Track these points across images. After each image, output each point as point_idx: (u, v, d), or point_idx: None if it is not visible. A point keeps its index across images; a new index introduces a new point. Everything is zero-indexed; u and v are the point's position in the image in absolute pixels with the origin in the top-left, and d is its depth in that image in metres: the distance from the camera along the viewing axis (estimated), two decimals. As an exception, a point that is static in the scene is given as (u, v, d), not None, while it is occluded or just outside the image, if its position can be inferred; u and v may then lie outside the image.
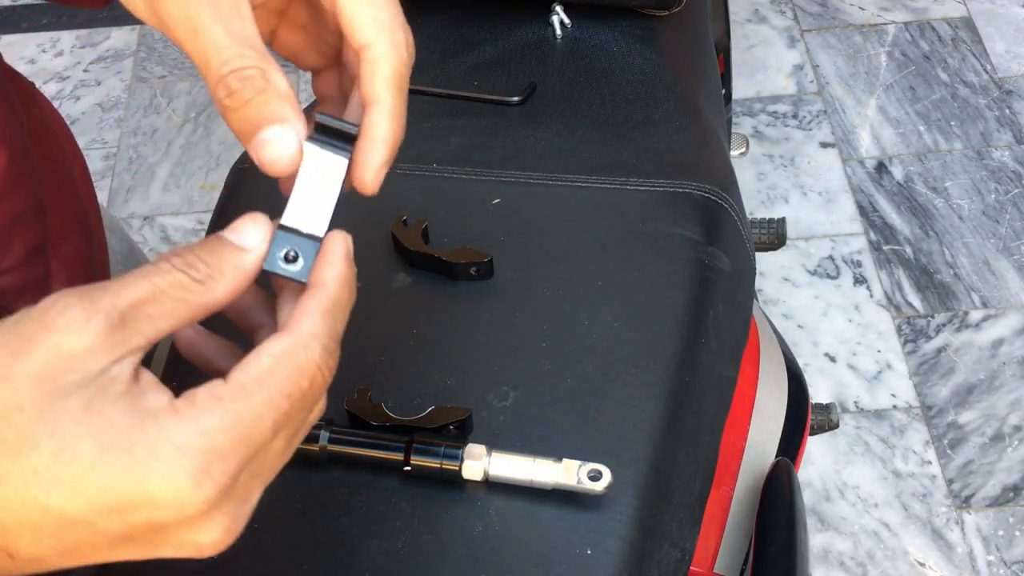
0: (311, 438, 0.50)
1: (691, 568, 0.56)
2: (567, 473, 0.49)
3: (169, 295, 0.32)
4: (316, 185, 0.36)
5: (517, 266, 0.61)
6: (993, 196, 1.69)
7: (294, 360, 0.33)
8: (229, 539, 0.32)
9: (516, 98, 0.74)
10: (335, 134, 0.36)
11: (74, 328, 0.31)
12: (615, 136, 0.71)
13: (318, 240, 0.35)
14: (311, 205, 0.36)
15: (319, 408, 0.35)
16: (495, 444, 0.50)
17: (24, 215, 0.52)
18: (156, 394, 0.31)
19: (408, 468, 0.50)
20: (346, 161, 0.36)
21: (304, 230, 0.35)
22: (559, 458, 0.50)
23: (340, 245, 0.35)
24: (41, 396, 0.30)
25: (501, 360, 0.56)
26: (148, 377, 0.32)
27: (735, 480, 0.69)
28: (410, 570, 0.48)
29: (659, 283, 0.54)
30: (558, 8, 0.79)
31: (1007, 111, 1.80)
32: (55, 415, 0.30)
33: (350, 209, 0.54)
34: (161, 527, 0.30)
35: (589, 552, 0.48)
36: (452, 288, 0.60)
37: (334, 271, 0.35)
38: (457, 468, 0.50)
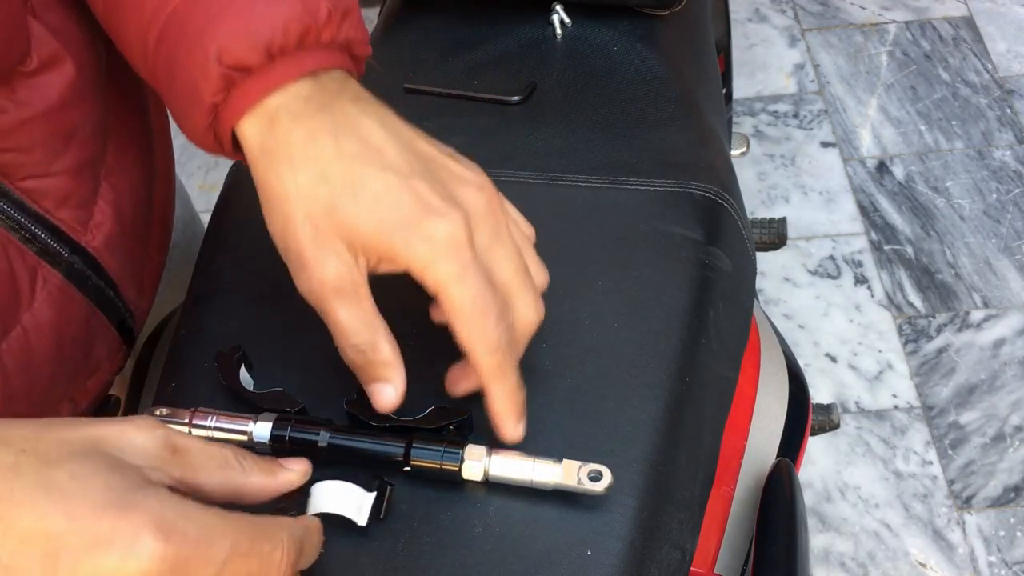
0: (311, 436, 0.51)
1: (692, 568, 0.56)
2: (567, 474, 0.49)
3: (212, 458, 0.41)
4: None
5: (517, 266, 0.60)
6: (994, 196, 1.69)
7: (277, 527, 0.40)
8: None
9: (516, 98, 0.74)
10: None
11: (141, 431, 0.39)
12: (615, 136, 0.71)
13: None
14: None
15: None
16: (495, 445, 0.50)
17: (83, 129, 0.55)
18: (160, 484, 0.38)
19: (408, 468, 0.50)
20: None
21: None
22: (559, 459, 0.49)
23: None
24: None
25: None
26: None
27: (735, 480, 0.68)
28: (410, 570, 0.48)
29: (659, 283, 0.54)
30: (558, 7, 0.79)
31: (1008, 111, 1.80)
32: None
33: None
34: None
35: (589, 553, 0.48)
36: (452, 288, 0.60)
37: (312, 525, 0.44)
38: (457, 468, 0.50)
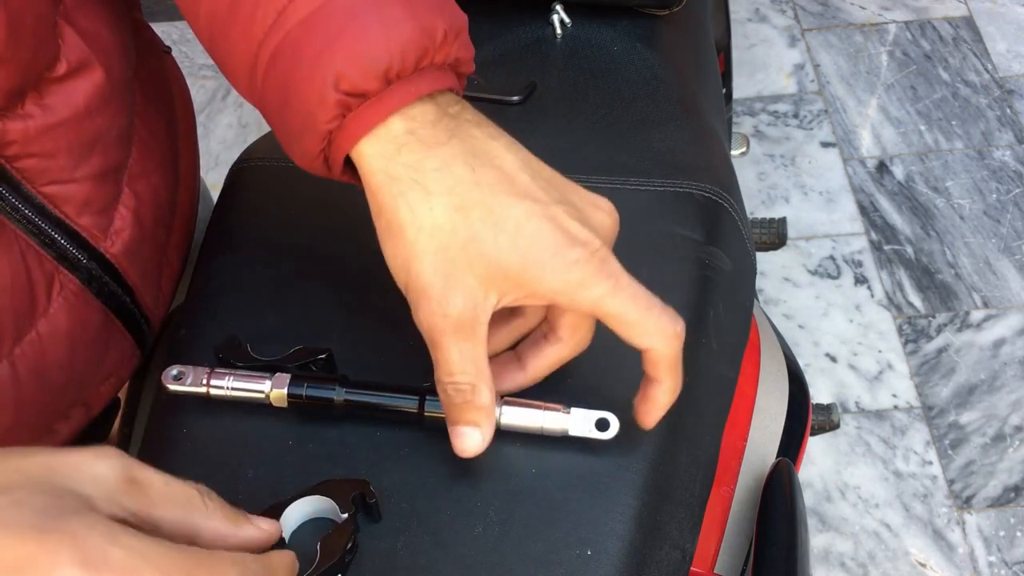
0: (326, 394, 0.52)
1: (691, 568, 0.56)
2: (575, 422, 0.50)
3: (173, 498, 0.39)
4: None
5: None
6: (994, 196, 1.69)
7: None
8: None
9: (516, 97, 0.74)
10: None
11: (101, 459, 0.37)
12: (615, 136, 0.71)
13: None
14: None
15: None
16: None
17: (108, 136, 0.55)
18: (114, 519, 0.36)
19: (424, 416, 0.51)
20: None
21: None
22: (568, 408, 0.51)
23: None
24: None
25: (501, 360, 0.56)
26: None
27: (735, 480, 0.68)
28: (410, 570, 0.48)
29: (659, 283, 0.54)
30: (558, 7, 0.79)
31: (1008, 111, 1.80)
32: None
33: (350, 210, 0.54)
34: None
35: (589, 552, 0.48)
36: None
37: (286, 559, 0.41)
38: None
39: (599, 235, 0.46)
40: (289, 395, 0.52)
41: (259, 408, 0.53)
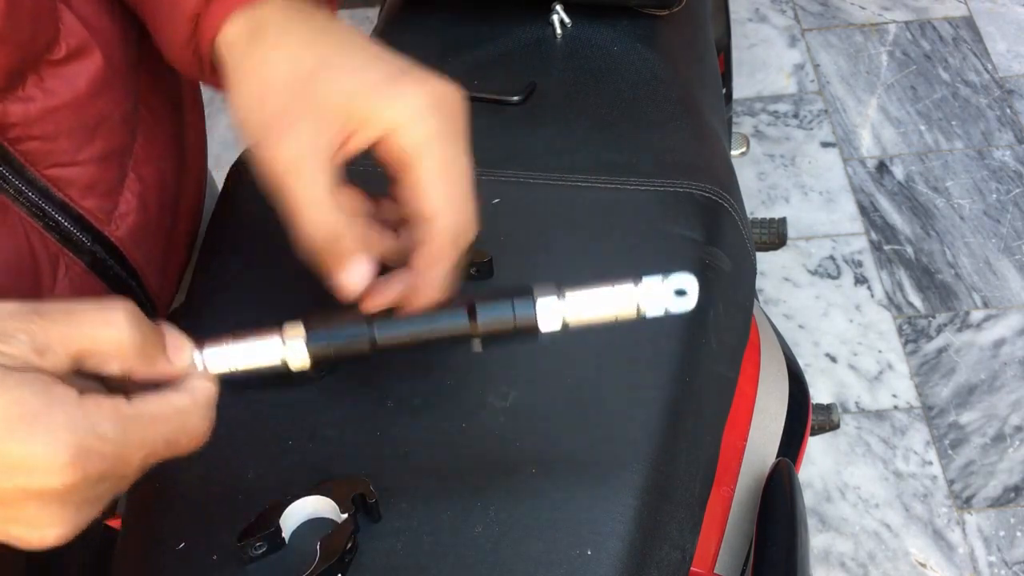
0: (360, 336, 0.44)
1: (692, 568, 0.56)
2: (649, 296, 0.42)
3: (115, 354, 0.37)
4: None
5: (517, 266, 0.60)
6: (994, 196, 1.69)
7: (186, 419, 0.39)
8: (68, 535, 0.36)
9: (516, 97, 0.74)
10: None
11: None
12: (615, 136, 0.71)
13: None
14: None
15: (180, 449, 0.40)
16: (502, 439, 0.50)
17: (110, 119, 0.56)
18: (65, 386, 0.35)
19: (478, 337, 0.43)
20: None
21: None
22: (637, 279, 0.42)
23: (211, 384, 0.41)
24: None
25: (501, 360, 0.56)
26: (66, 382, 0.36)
27: (735, 480, 0.69)
28: (410, 570, 0.48)
29: (659, 283, 0.54)
30: (558, 7, 0.79)
31: (1008, 111, 1.80)
32: None
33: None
34: (25, 496, 0.34)
35: (589, 552, 0.48)
36: (452, 288, 0.60)
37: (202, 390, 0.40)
38: (533, 320, 0.42)
39: (442, 89, 0.45)
40: (311, 349, 0.42)
41: (260, 405, 0.53)
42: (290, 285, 0.61)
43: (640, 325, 0.58)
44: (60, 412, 0.34)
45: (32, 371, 0.35)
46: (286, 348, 0.42)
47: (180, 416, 0.39)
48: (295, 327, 0.42)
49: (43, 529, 0.36)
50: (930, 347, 1.53)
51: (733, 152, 1.37)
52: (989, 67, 1.86)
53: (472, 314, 0.42)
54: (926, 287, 1.59)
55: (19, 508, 0.35)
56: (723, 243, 0.64)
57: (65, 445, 0.34)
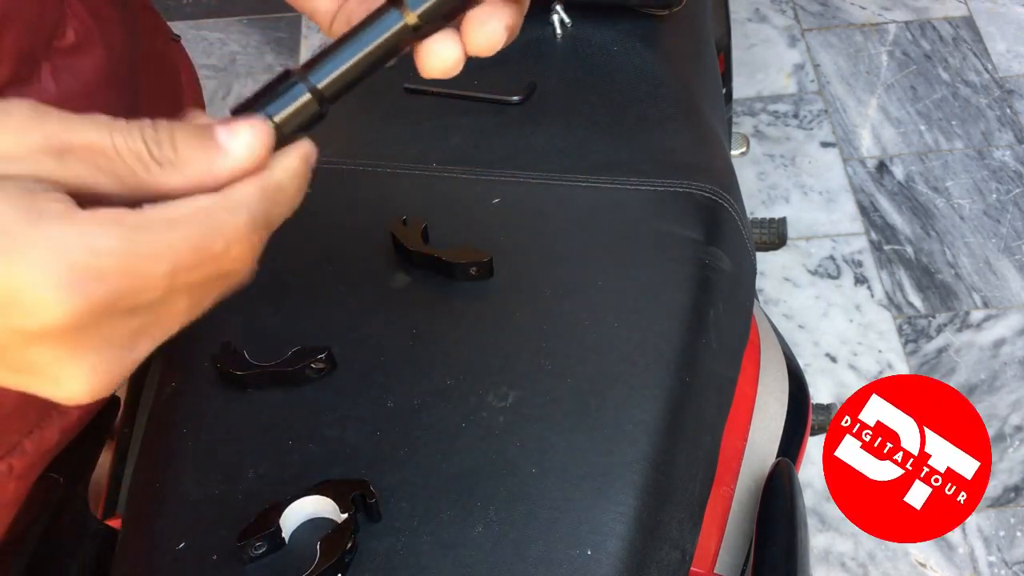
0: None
1: (692, 569, 0.56)
2: None
3: (122, 159, 0.30)
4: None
5: (517, 266, 0.60)
6: (994, 196, 1.69)
7: (215, 218, 0.30)
8: (97, 387, 0.30)
9: (516, 97, 0.74)
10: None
11: (9, 131, 0.29)
12: (615, 136, 0.71)
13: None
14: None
15: (234, 283, 0.32)
16: (494, 448, 0.50)
17: (115, 113, 0.54)
18: (57, 199, 0.28)
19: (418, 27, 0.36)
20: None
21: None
22: None
23: (303, 145, 0.33)
24: None
25: (501, 360, 0.56)
26: (58, 192, 0.29)
27: (735, 480, 0.68)
28: (410, 570, 0.48)
29: (659, 283, 0.54)
30: (558, 7, 0.79)
31: (1008, 111, 1.80)
32: None
33: (350, 209, 0.54)
34: (26, 338, 0.28)
35: (589, 552, 0.48)
36: (452, 288, 0.60)
37: (287, 161, 0.32)
38: None
39: None
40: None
41: (260, 405, 0.53)
42: (288, 285, 0.61)
43: (639, 325, 0.58)
44: (44, 225, 0.27)
45: (8, 179, 0.28)
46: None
47: (206, 217, 0.30)
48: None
49: (63, 382, 0.29)
50: (930, 347, 1.53)
51: (733, 152, 1.37)
52: (989, 67, 1.86)
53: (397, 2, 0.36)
54: (926, 287, 1.59)
55: (25, 355, 0.29)
56: (723, 243, 0.64)
57: (54, 265, 0.27)
